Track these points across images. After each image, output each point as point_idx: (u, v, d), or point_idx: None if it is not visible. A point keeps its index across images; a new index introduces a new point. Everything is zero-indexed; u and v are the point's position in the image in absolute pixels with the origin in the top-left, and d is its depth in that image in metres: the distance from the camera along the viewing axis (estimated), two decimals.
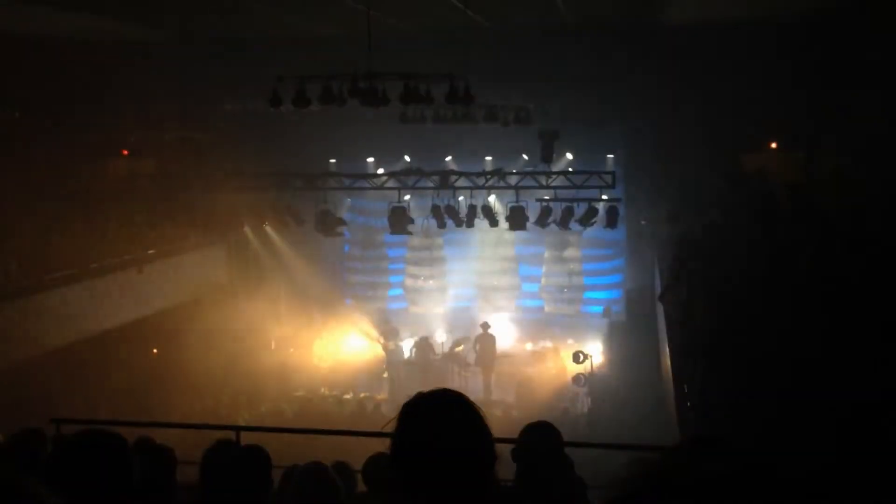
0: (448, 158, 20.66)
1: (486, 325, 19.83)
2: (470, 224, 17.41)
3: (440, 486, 2.22)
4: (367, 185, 17.79)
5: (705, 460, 2.15)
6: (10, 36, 15.57)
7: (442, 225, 17.68)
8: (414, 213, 17.89)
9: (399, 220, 17.10)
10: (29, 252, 15.64)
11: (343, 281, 23.73)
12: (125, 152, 19.97)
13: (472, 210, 17.04)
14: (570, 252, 21.97)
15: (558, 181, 16.61)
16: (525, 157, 19.02)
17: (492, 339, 19.72)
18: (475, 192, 17.11)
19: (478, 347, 19.61)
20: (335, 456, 5.52)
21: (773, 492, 1.32)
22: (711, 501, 1.30)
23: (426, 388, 2.40)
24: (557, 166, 18.46)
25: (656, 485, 1.38)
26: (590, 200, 16.50)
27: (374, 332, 21.20)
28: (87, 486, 2.68)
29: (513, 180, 16.95)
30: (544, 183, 16.57)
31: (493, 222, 17.49)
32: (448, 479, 2.21)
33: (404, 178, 16.99)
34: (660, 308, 14.85)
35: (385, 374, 20.07)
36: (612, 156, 20.09)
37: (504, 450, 2.38)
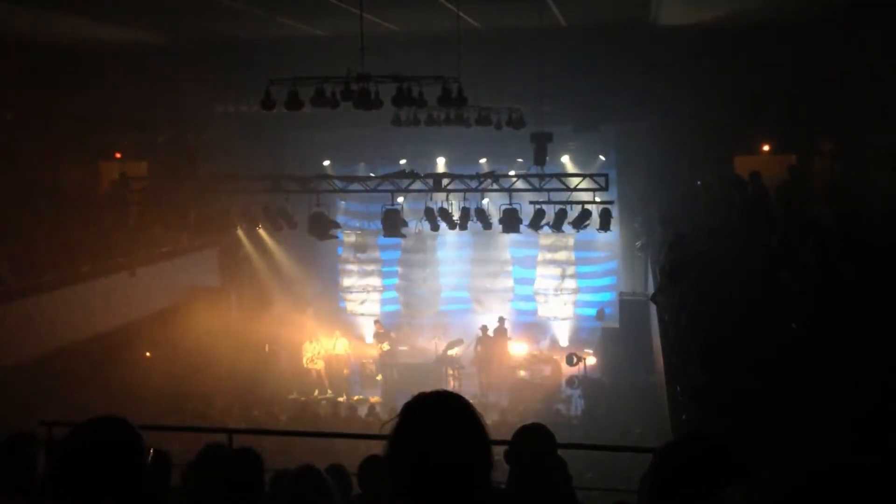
0: (442, 161, 20.71)
1: (485, 328, 19.85)
2: (463, 227, 17.40)
3: (436, 490, 2.20)
4: (361, 187, 17.76)
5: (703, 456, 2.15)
6: (2, 38, 15.52)
7: (435, 227, 17.67)
8: (407, 216, 17.88)
9: (392, 223, 17.06)
10: (21, 255, 15.59)
11: (336, 283, 23.73)
12: (118, 155, 19.95)
13: (465, 212, 17.03)
14: (564, 254, 22.03)
15: (551, 183, 16.62)
16: (520, 160, 19.08)
17: (492, 341, 19.78)
18: (469, 194, 17.10)
19: (479, 349, 19.63)
20: (329, 458, 5.52)
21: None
22: None
23: (420, 391, 2.39)
24: (556, 170, 18.47)
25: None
26: (583, 203, 16.51)
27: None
28: (97, 478, 2.55)
29: (506, 183, 16.94)
30: (537, 185, 16.57)
31: (487, 225, 17.49)
32: (444, 483, 2.20)
33: (398, 181, 16.96)
34: (653, 310, 14.86)
35: (378, 377, 20.05)
36: (604, 158, 20.17)
37: (497, 452, 2.37)
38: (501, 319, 20.48)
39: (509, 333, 20.50)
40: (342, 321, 22.69)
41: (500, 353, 19.93)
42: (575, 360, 18.62)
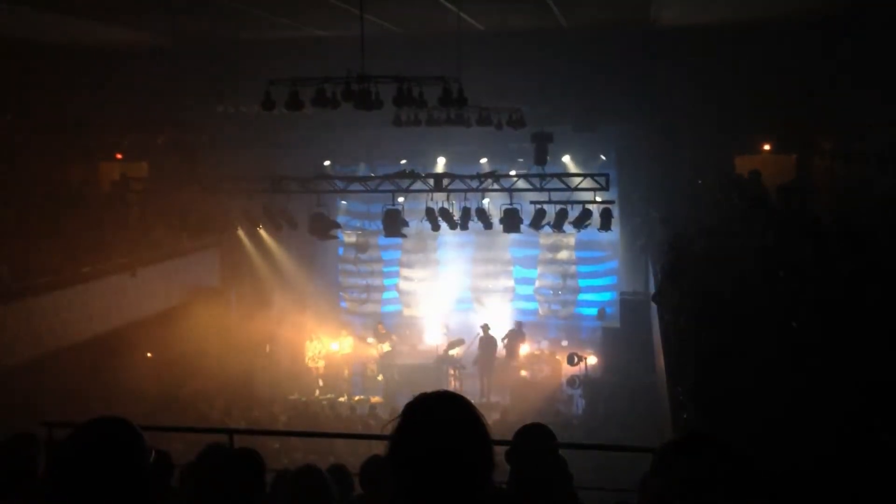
0: (442, 161, 20.70)
1: (486, 328, 19.84)
2: (464, 226, 17.41)
3: (437, 490, 2.21)
4: (361, 187, 17.76)
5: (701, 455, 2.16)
6: (3, 38, 15.53)
7: (436, 228, 17.68)
8: (408, 216, 17.88)
9: (393, 223, 17.07)
10: (21, 256, 15.58)
11: (337, 284, 23.74)
12: (118, 155, 19.95)
13: (466, 212, 17.04)
14: (565, 254, 22.05)
15: (552, 183, 16.64)
16: (520, 160, 19.08)
17: (493, 341, 19.79)
18: (469, 194, 17.12)
19: (479, 350, 19.64)
20: (330, 459, 5.53)
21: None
22: None
23: (421, 391, 2.39)
24: (556, 170, 18.48)
25: None
26: (584, 203, 16.52)
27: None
28: (97, 478, 2.55)
29: (506, 183, 16.95)
30: (538, 185, 16.58)
31: (488, 225, 17.50)
32: (446, 484, 2.21)
33: (398, 181, 16.97)
34: (654, 310, 14.86)
35: (379, 377, 20.06)
36: (605, 158, 20.17)
37: (498, 452, 2.37)
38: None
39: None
40: (342, 321, 22.70)
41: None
42: (576, 359, 18.62)
